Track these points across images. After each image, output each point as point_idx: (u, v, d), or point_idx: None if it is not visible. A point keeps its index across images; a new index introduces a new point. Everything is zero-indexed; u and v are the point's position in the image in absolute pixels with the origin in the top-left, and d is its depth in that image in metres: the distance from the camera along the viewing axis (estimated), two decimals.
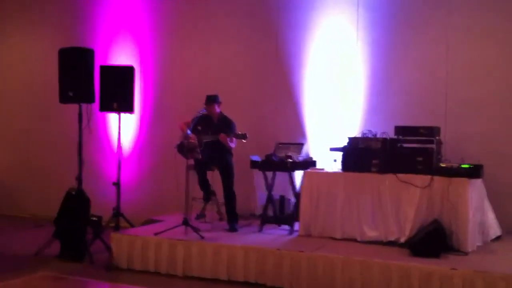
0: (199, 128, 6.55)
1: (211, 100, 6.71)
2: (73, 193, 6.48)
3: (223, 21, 8.07)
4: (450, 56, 6.85)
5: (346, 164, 6.22)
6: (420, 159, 5.91)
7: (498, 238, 6.13)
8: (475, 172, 5.69)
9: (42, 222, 8.07)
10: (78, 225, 6.36)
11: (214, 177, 6.76)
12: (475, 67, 6.78)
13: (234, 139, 6.54)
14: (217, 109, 6.77)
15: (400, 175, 5.86)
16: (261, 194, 6.92)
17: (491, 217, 6.07)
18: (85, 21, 8.83)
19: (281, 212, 6.91)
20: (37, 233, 7.57)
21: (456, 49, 6.84)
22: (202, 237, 5.92)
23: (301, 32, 7.60)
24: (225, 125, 6.67)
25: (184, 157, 6.35)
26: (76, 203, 6.44)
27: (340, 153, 6.30)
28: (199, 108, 6.55)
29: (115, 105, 6.91)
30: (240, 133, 6.39)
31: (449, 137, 6.60)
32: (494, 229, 6.10)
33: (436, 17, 6.95)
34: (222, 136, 6.43)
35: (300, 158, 6.75)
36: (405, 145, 6.12)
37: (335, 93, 7.41)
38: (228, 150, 6.68)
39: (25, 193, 9.16)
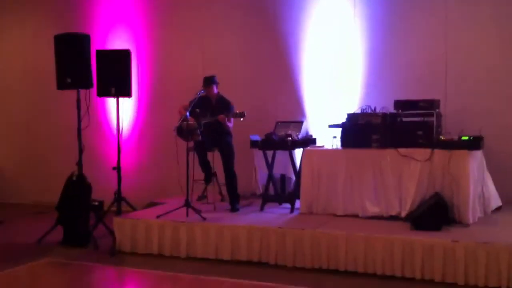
0: (198, 110, 6.53)
1: (209, 81, 6.69)
2: (74, 178, 6.49)
3: (219, 2, 7.99)
4: (449, 30, 6.81)
5: (346, 141, 6.21)
6: (420, 132, 5.90)
7: (498, 208, 6.15)
8: (475, 144, 5.69)
9: (44, 209, 8.10)
10: (80, 210, 6.37)
11: (215, 158, 6.76)
12: (474, 41, 6.74)
13: (232, 119, 6.52)
14: (215, 90, 6.75)
15: (401, 150, 5.86)
16: (262, 174, 6.92)
17: (491, 188, 6.08)
18: (80, 7, 8.77)
19: (282, 191, 6.92)
20: (39, 220, 7.61)
21: (455, 23, 6.80)
22: (204, 218, 5.94)
23: (298, 10, 7.54)
24: (223, 105, 6.65)
25: (184, 140, 6.35)
26: (77, 188, 6.45)
27: (339, 130, 6.28)
28: (197, 90, 6.53)
29: (112, 90, 6.88)
30: (238, 112, 6.38)
31: (449, 110, 6.59)
32: (495, 200, 6.11)
33: (433, 4, 6.89)
34: (221, 117, 6.41)
35: (300, 136, 6.74)
36: (405, 119, 6.10)
37: (333, 70, 7.38)
38: (227, 131, 6.67)
39: (26, 180, 9.19)
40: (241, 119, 6.36)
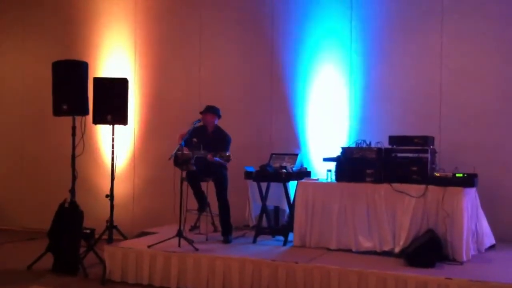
0: (194, 140, 6.52)
1: (212, 109, 6.68)
2: (66, 205, 6.44)
3: (216, 31, 8.08)
4: (444, 64, 6.89)
5: (340, 174, 6.22)
6: (414, 168, 5.92)
7: (492, 246, 6.13)
8: (469, 181, 5.70)
9: (35, 235, 8.01)
10: (72, 238, 6.31)
11: (208, 189, 6.74)
12: (468, 74, 6.82)
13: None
14: (215, 121, 6.72)
15: (395, 185, 5.86)
16: (256, 205, 6.90)
17: (485, 225, 6.08)
18: (79, 33, 8.81)
19: (276, 223, 6.89)
20: (30, 246, 7.52)
21: (449, 57, 6.88)
22: (197, 249, 5.89)
23: (295, 41, 7.63)
24: (220, 139, 6.62)
25: (179, 169, 6.33)
26: (69, 216, 6.39)
27: (334, 163, 6.29)
28: (193, 119, 6.54)
29: (109, 117, 6.88)
30: (225, 154, 6.28)
31: (443, 145, 6.64)
32: (488, 238, 6.10)
33: (429, 26, 6.99)
34: (209, 157, 6.33)
35: (295, 169, 6.75)
36: (400, 154, 6.13)
37: (329, 103, 7.43)
38: (220, 163, 6.64)
39: (18, 206, 9.10)
40: (227, 163, 6.34)
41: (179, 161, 6.28)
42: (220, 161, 6.37)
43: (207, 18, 8.13)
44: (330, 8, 7.44)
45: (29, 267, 6.39)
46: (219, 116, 6.76)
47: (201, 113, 6.68)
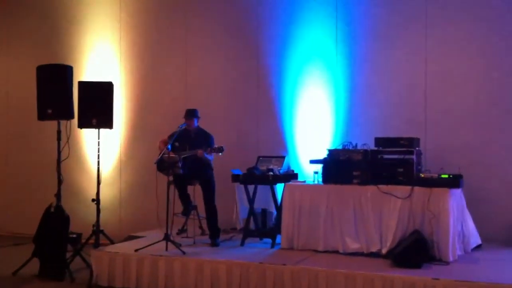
0: (176, 144, 6.53)
1: (191, 113, 6.72)
2: (52, 210, 6.39)
3: (203, 36, 8.09)
4: (428, 67, 6.93)
5: (327, 176, 6.23)
6: (400, 170, 5.96)
7: (478, 247, 6.18)
8: (455, 182, 5.74)
9: (21, 241, 7.94)
10: (58, 243, 6.26)
11: (195, 192, 6.73)
12: (453, 78, 6.87)
13: (212, 152, 6.52)
14: (195, 123, 6.76)
15: (382, 186, 5.89)
16: (243, 208, 6.90)
17: (471, 226, 6.12)
18: (64, 37, 8.77)
19: (263, 226, 6.89)
20: (15, 251, 7.45)
21: (434, 60, 6.92)
22: (184, 253, 5.87)
23: (281, 46, 7.64)
24: (203, 138, 6.67)
25: (164, 174, 6.32)
26: (55, 220, 6.34)
27: (321, 165, 6.31)
28: (180, 123, 6.53)
29: (94, 121, 6.84)
30: (216, 146, 6.38)
31: (429, 147, 6.68)
32: (474, 238, 6.14)
33: (413, 30, 7.03)
34: (199, 153, 6.39)
35: (282, 171, 6.76)
36: (386, 156, 6.16)
37: (315, 106, 7.45)
38: (208, 164, 6.66)
39: (3, 211, 9.01)
40: (220, 153, 6.36)
41: (165, 164, 6.26)
42: (209, 158, 6.37)
43: (193, 23, 8.13)
44: (316, 14, 7.46)
45: (14, 273, 6.33)
46: (198, 117, 6.78)
47: (184, 118, 6.70)
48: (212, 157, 6.61)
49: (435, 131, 6.86)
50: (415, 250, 5.40)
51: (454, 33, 6.87)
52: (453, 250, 5.60)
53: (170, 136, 6.61)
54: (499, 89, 6.69)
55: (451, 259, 5.54)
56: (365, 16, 7.28)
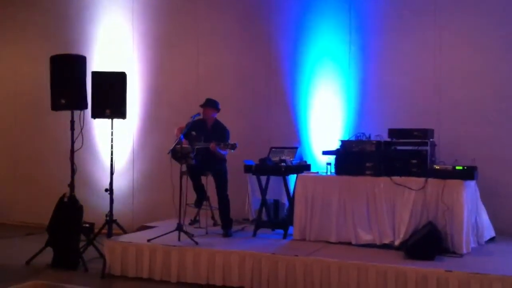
0: (193, 133, 6.51)
1: (211, 103, 6.69)
2: (65, 200, 6.43)
3: (214, 25, 8.06)
4: (442, 58, 6.88)
5: (340, 168, 6.21)
6: (414, 161, 5.92)
7: (492, 239, 6.14)
8: (469, 174, 5.69)
9: (33, 230, 8.00)
10: (71, 232, 6.30)
11: (208, 182, 6.73)
12: (466, 69, 6.82)
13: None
14: (214, 115, 6.73)
15: (395, 178, 5.85)
16: (255, 199, 6.89)
17: (485, 218, 6.08)
18: (75, 27, 8.79)
19: (275, 217, 6.89)
20: (29, 241, 7.51)
21: (446, 51, 6.87)
22: (196, 243, 5.88)
23: (293, 35, 7.61)
24: (219, 132, 6.64)
25: (178, 162, 6.32)
26: (68, 210, 6.38)
27: (334, 157, 6.28)
28: (192, 113, 6.52)
29: (107, 111, 6.85)
30: (230, 143, 6.33)
31: (442, 138, 6.62)
32: (488, 231, 6.10)
33: (425, 21, 6.97)
34: (212, 146, 6.37)
35: (294, 162, 6.74)
36: (399, 147, 6.13)
37: (328, 96, 7.41)
38: (221, 156, 6.65)
39: (17, 201, 9.09)
40: (232, 150, 6.33)
41: (178, 154, 6.27)
42: (222, 153, 6.38)
43: (204, 13, 8.10)
44: (329, 5, 7.41)
45: (27, 262, 6.38)
46: (218, 110, 6.75)
47: (201, 106, 6.68)
48: (226, 152, 6.57)
49: (449, 122, 6.81)
50: (428, 242, 5.38)
51: (465, 24, 6.82)
52: (466, 242, 5.56)
53: (187, 125, 6.56)
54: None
55: (464, 251, 5.51)
56: (377, 7, 7.22)
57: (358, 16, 7.29)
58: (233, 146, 6.28)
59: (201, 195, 6.71)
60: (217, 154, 6.46)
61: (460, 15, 6.84)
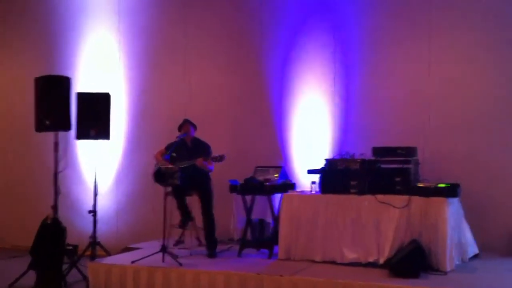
0: (174, 154, 6.53)
1: (186, 121, 6.77)
2: (49, 222, 6.37)
3: (203, 45, 8.08)
4: (430, 75, 6.90)
5: (325, 186, 6.22)
6: (398, 179, 5.94)
7: (476, 256, 6.15)
8: (452, 191, 5.72)
9: (17, 253, 7.90)
10: (54, 255, 6.23)
11: (192, 202, 6.71)
12: (454, 86, 6.84)
13: (212, 162, 6.52)
14: (192, 132, 6.77)
15: (379, 196, 5.87)
16: (240, 218, 6.88)
17: (468, 235, 6.09)
18: (61, 49, 8.78)
19: (261, 236, 6.86)
20: (13, 264, 7.41)
21: (435, 68, 6.89)
22: (181, 264, 5.84)
23: (280, 52, 7.64)
24: (200, 148, 6.67)
25: (162, 185, 6.30)
26: (52, 232, 6.31)
27: (318, 175, 6.30)
28: (178, 134, 6.52)
29: (92, 132, 6.85)
30: (217, 155, 6.39)
31: (427, 155, 6.66)
32: (472, 248, 6.11)
33: (416, 37, 7.01)
34: (199, 161, 6.40)
35: (279, 181, 6.74)
36: (383, 165, 6.15)
37: (313, 114, 7.45)
38: (206, 174, 6.65)
39: (2, 223, 8.98)
40: (220, 162, 6.36)
41: (163, 175, 6.24)
42: (209, 167, 6.39)
43: (192, 31, 8.13)
44: (315, 24, 7.48)
45: (10, 286, 6.28)
46: (195, 127, 6.82)
47: (180, 127, 6.73)
48: (213, 167, 6.59)
49: (434, 140, 6.84)
50: (413, 260, 5.38)
51: (456, 41, 6.85)
52: (450, 259, 5.57)
53: (168, 147, 6.61)
54: (501, 97, 6.66)
55: (448, 268, 5.51)
56: (365, 22, 7.28)
57: (344, 30, 7.33)
58: (221, 158, 6.31)
59: (186, 215, 6.68)
60: (204, 169, 6.45)
61: (452, 32, 6.87)
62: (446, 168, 6.43)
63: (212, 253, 6.40)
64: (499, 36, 6.70)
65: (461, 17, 6.85)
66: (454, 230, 5.78)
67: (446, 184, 5.77)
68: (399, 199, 5.79)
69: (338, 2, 7.37)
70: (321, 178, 6.27)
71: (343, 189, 6.08)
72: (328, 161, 6.35)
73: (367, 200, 5.92)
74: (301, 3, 7.57)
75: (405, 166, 6.01)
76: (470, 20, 6.82)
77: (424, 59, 6.94)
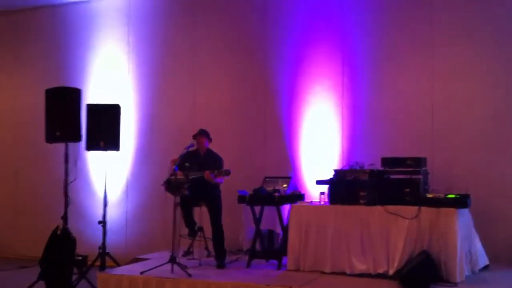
0: (186, 164, 6.54)
1: (201, 132, 6.74)
2: (58, 232, 6.40)
3: (210, 55, 8.14)
4: (436, 86, 6.92)
5: (334, 197, 6.21)
6: (407, 190, 5.92)
7: (486, 267, 6.10)
8: (462, 202, 5.70)
9: (27, 263, 7.94)
10: (64, 265, 6.26)
11: (202, 213, 6.72)
12: (460, 97, 6.85)
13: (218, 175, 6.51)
14: (207, 144, 6.77)
15: (388, 207, 5.85)
16: (249, 229, 6.87)
17: (478, 246, 6.05)
18: (73, 60, 8.87)
19: (270, 247, 6.85)
20: (22, 274, 7.44)
21: (441, 80, 6.92)
22: (190, 275, 5.84)
23: (288, 65, 7.67)
24: (212, 160, 6.66)
25: (172, 194, 6.32)
26: (61, 243, 6.35)
27: (327, 186, 6.29)
28: (186, 144, 6.55)
29: (101, 143, 6.90)
30: (223, 169, 6.38)
31: (436, 166, 6.64)
32: (482, 259, 6.07)
33: (420, 49, 7.04)
34: (206, 174, 6.40)
35: (288, 192, 6.74)
36: (392, 176, 6.14)
37: (322, 126, 7.46)
38: (215, 186, 6.66)
39: (11, 233, 9.04)
40: (226, 177, 6.36)
41: (172, 186, 6.27)
42: (217, 181, 6.41)
43: (200, 44, 8.19)
44: (323, 37, 7.51)
45: None
46: (210, 139, 6.80)
47: (194, 136, 6.71)
48: (222, 180, 6.59)
49: (443, 150, 6.83)
50: (423, 271, 5.36)
51: (460, 52, 6.87)
52: (460, 270, 5.54)
53: (180, 156, 6.60)
54: (506, 108, 6.66)
55: (458, 280, 5.47)
56: (371, 34, 7.31)
57: (351, 44, 7.37)
58: (227, 173, 6.32)
59: (190, 225, 6.66)
60: (212, 182, 6.47)
61: (455, 45, 6.89)
62: (455, 179, 6.39)
63: (221, 264, 6.40)
64: (503, 50, 6.70)
65: (463, 30, 6.88)
66: (464, 241, 5.74)
67: (456, 194, 5.75)
68: (408, 210, 5.77)
69: (344, 16, 7.41)
70: (330, 189, 6.26)
71: (352, 200, 6.07)
72: (336, 171, 6.35)
73: (376, 211, 5.91)
74: (308, 17, 7.61)
75: (414, 176, 5.99)
76: (471, 33, 6.84)
77: (427, 71, 6.97)
